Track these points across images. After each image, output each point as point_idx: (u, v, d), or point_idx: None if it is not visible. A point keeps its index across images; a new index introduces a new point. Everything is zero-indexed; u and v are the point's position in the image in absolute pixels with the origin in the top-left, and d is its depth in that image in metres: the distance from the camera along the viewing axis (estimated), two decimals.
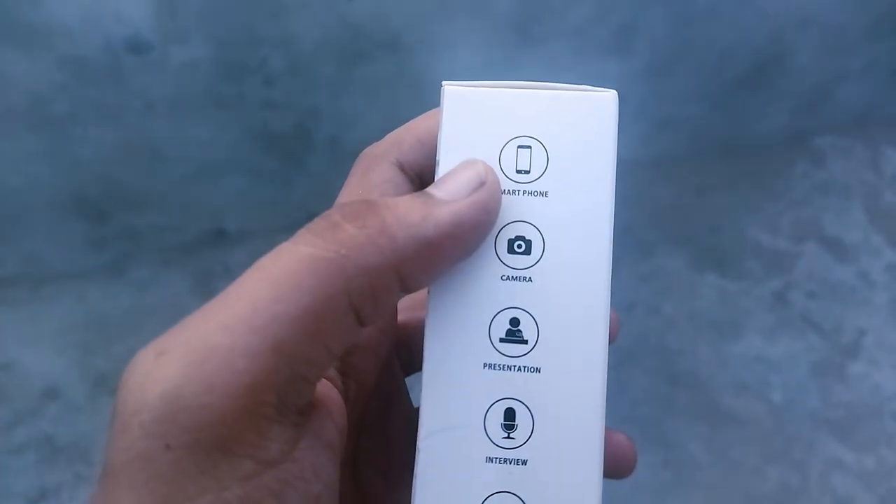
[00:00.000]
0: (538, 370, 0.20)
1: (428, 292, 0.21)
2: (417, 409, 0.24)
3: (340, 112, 0.89)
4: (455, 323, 0.20)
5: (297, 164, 0.94)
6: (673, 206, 1.04)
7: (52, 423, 0.87)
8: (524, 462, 0.20)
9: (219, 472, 0.15)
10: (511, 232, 0.21)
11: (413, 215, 0.18)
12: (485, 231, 0.20)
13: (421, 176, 0.22)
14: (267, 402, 0.16)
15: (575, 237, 0.20)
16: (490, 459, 0.20)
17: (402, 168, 0.22)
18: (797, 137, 1.10)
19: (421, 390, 0.20)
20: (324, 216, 0.18)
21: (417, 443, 0.20)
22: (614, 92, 0.21)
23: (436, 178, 0.21)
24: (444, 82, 0.21)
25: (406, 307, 0.25)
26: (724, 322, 0.95)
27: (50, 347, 0.92)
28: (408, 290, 0.19)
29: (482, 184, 0.19)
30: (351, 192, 0.22)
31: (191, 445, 0.15)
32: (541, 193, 0.21)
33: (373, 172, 0.22)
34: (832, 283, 0.98)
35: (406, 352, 0.25)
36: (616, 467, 0.22)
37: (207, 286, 0.95)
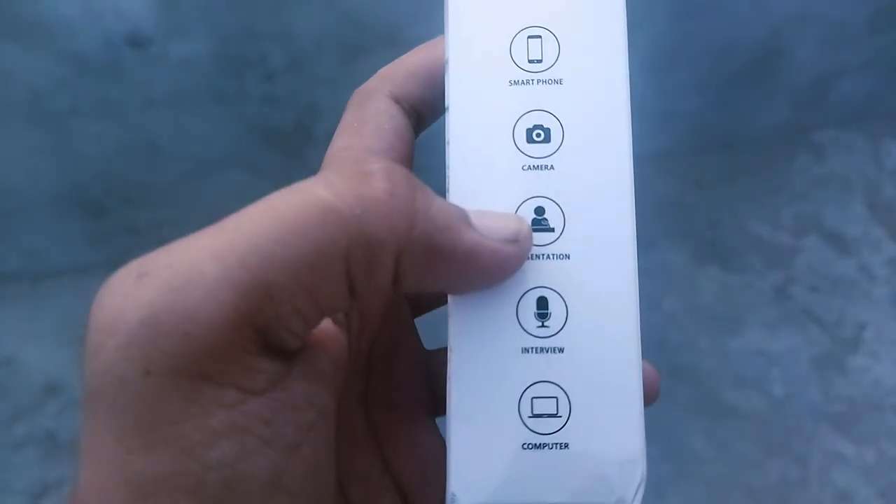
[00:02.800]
0: (567, 256, 0.20)
1: (447, 189, 0.20)
2: (427, 351, 0.24)
3: (341, 107, 0.88)
4: None
5: (297, 159, 0.94)
6: (673, 200, 1.04)
7: (53, 419, 0.87)
8: (561, 350, 0.19)
9: (203, 398, 0.15)
10: (529, 121, 0.20)
11: (441, 218, 0.17)
12: (489, 282, 0.19)
13: (415, 107, 0.22)
14: (252, 339, 0.15)
15: (593, 121, 0.20)
16: (526, 350, 0.19)
17: (397, 100, 0.22)
18: (798, 131, 1.10)
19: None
20: (360, 161, 0.17)
21: (448, 342, 0.19)
22: None
23: (446, 79, 0.21)
24: None
25: None
26: (725, 316, 0.95)
27: (51, 343, 0.92)
28: (397, 285, 0.17)
29: (515, 241, 0.19)
30: (346, 126, 0.22)
31: (172, 372, 0.14)
32: (555, 81, 0.20)
33: (367, 105, 0.21)
34: (833, 276, 0.98)
35: (412, 294, 0.24)
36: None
37: None
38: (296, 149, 0.93)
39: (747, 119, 1.09)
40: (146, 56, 0.80)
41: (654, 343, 0.91)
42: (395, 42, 0.85)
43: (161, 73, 0.82)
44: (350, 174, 0.16)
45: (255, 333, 0.15)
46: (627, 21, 0.21)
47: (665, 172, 1.05)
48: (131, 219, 0.95)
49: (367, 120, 0.21)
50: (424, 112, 0.22)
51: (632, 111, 0.21)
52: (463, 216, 0.18)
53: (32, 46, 0.77)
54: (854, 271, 0.99)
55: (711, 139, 1.08)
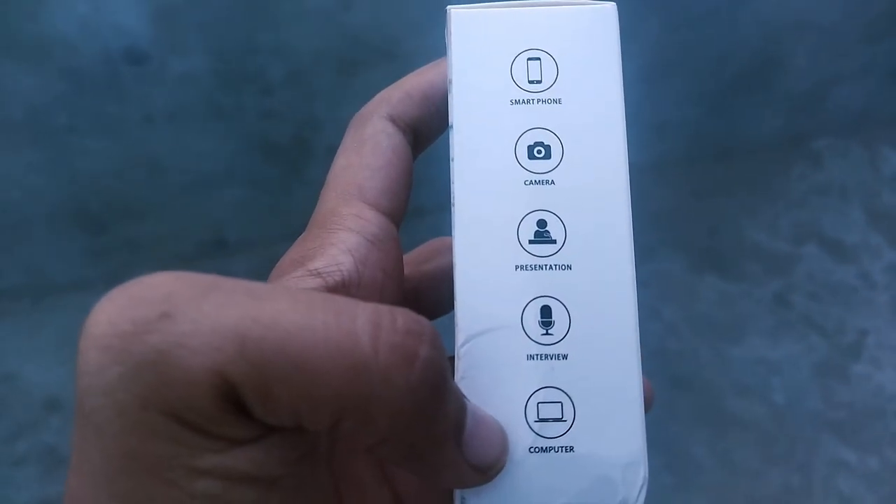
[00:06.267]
0: (569, 267, 0.21)
1: (452, 204, 0.21)
2: None
3: (339, 121, 0.89)
4: (483, 230, 0.21)
5: (296, 173, 0.94)
6: (671, 209, 1.04)
7: (53, 435, 0.87)
8: (564, 357, 0.20)
9: (192, 442, 0.15)
10: (530, 139, 0.21)
11: (441, 429, 0.17)
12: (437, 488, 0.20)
13: (411, 126, 0.23)
14: (245, 413, 0.16)
15: (591, 138, 0.21)
16: (531, 357, 0.20)
17: (394, 121, 0.22)
18: (795, 139, 1.10)
19: (454, 299, 0.20)
20: (392, 315, 0.16)
21: (456, 350, 0.20)
22: (613, 3, 0.22)
23: (449, 98, 0.21)
24: (448, 7, 0.22)
25: (411, 261, 0.25)
26: (725, 324, 0.95)
27: (51, 359, 0.92)
28: (368, 451, 0.18)
29: (484, 472, 0.19)
30: (346, 147, 0.22)
31: (168, 415, 0.15)
32: (554, 101, 0.21)
33: (365, 127, 0.22)
34: (833, 284, 0.99)
35: (414, 304, 0.24)
36: None
37: None
38: (295, 163, 0.93)
39: (744, 128, 1.09)
40: (144, 72, 0.81)
41: (654, 352, 0.91)
42: (392, 56, 0.86)
43: (159, 88, 0.83)
44: (398, 344, 0.16)
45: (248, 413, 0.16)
46: (621, 39, 0.22)
47: (662, 182, 1.05)
48: (131, 234, 0.96)
49: (366, 140, 0.22)
50: (421, 130, 0.23)
51: (628, 121, 0.22)
52: (457, 429, 0.18)
53: (31, 63, 0.78)
54: (854, 278, 0.99)
55: (708, 148, 1.09)
